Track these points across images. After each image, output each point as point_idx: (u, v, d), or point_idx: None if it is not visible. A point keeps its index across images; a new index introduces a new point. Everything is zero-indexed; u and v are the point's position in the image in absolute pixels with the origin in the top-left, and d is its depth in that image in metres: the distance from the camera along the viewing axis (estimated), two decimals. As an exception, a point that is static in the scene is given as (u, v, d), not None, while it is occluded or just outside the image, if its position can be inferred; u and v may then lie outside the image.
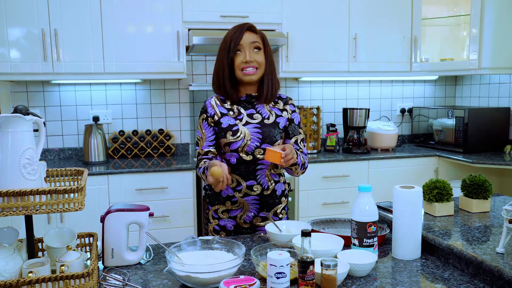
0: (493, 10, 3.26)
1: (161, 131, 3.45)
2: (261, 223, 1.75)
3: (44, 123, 1.19)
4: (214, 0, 3.11)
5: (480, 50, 3.30)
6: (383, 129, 3.58)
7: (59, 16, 2.87)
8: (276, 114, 1.73)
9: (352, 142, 3.52)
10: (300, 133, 1.77)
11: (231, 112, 1.70)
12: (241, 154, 1.66)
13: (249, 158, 1.67)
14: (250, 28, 1.68)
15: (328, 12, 3.34)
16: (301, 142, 1.77)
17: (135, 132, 3.41)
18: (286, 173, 1.83)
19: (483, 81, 3.82)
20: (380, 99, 3.98)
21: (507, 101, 3.58)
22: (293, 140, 1.75)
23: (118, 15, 2.97)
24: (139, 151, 3.38)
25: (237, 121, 1.68)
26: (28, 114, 1.20)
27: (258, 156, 1.67)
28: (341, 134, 3.78)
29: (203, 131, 1.71)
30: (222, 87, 1.70)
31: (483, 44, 3.29)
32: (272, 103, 1.76)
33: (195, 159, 1.79)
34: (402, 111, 4.00)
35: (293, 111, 1.78)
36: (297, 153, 1.67)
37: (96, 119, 3.21)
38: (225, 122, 1.67)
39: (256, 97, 1.73)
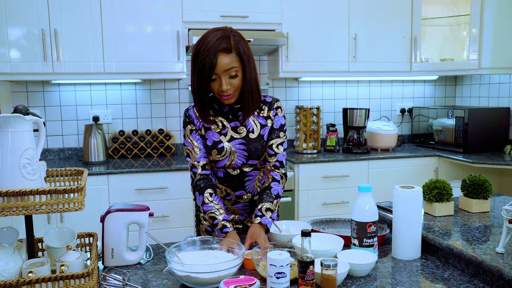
0: (493, 10, 3.26)
1: (161, 131, 3.45)
2: None
3: (44, 123, 1.19)
4: (214, 0, 3.11)
5: (480, 50, 3.30)
6: (383, 129, 3.58)
7: (59, 16, 2.87)
8: (261, 124, 1.64)
9: (352, 142, 3.52)
10: (279, 137, 1.65)
11: (214, 126, 1.61)
12: (228, 170, 1.63)
13: (236, 172, 1.63)
14: (223, 50, 1.46)
15: (328, 12, 3.34)
16: (278, 147, 1.64)
17: (135, 132, 3.40)
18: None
19: (483, 81, 3.81)
20: (380, 99, 3.98)
21: (507, 101, 3.58)
22: (269, 144, 1.64)
23: (118, 15, 2.97)
24: (139, 151, 3.38)
25: (221, 137, 1.60)
26: (28, 114, 1.20)
27: (245, 169, 1.63)
28: (341, 134, 3.78)
29: (194, 142, 1.62)
30: (200, 111, 1.59)
31: (483, 44, 3.29)
32: (257, 110, 1.65)
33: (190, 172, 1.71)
34: (402, 111, 4.00)
35: (276, 115, 1.65)
36: (268, 191, 1.59)
37: (96, 119, 3.21)
38: (210, 138, 1.60)
39: (239, 108, 1.62)
